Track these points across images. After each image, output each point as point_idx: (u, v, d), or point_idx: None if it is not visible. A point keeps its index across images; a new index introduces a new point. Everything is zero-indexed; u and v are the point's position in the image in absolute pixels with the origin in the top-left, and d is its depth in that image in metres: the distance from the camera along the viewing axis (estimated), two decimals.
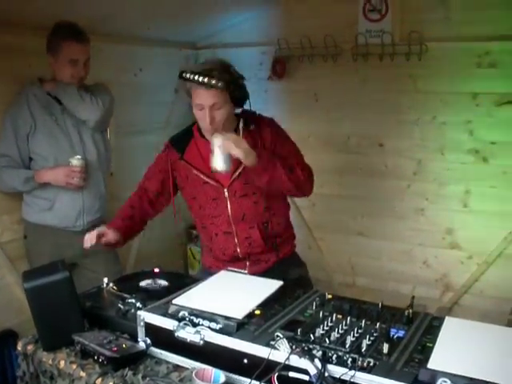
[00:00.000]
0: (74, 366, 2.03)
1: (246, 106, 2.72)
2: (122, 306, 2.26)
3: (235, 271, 2.54)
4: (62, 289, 2.15)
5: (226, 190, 2.69)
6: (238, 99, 2.57)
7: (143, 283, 2.53)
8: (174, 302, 2.09)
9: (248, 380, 1.80)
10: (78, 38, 3.14)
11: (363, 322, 1.98)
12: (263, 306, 2.11)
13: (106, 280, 2.51)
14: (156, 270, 2.69)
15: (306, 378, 1.70)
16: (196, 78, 2.43)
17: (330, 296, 2.26)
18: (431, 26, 3.89)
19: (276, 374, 1.73)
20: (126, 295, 2.34)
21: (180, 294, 2.19)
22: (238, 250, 2.76)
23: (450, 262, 4.18)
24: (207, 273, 2.65)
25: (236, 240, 2.76)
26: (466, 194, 4.04)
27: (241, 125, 2.67)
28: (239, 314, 1.99)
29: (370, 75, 4.20)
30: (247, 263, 2.79)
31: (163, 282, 2.53)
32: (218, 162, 2.46)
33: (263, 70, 4.57)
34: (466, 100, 3.90)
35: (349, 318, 2.00)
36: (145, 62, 4.35)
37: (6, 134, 3.21)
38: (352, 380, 1.65)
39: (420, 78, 4.04)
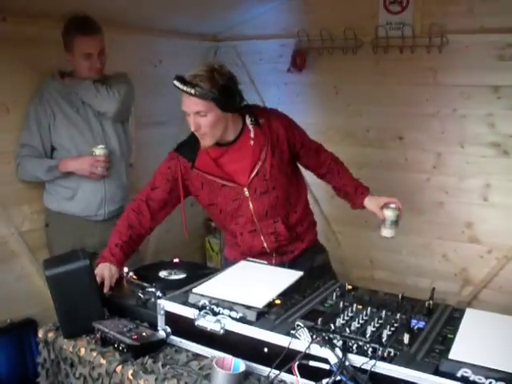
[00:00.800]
0: (95, 354, 2.05)
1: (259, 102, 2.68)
2: (141, 295, 2.27)
3: (255, 261, 2.54)
4: (83, 277, 2.17)
5: (245, 189, 2.64)
6: (226, 105, 2.48)
7: (163, 273, 2.54)
8: (194, 290, 2.10)
9: (268, 369, 1.81)
10: (87, 31, 3.14)
11: (383, 312, 1.99)
12: (283, 295, 2.11)
13: (126, 269, 2.53)
14: (175, 260, 2.70)
15: (327, 367, 1.71)
16: (178, 84, 2.42)
17: (349, 287, 2.26)
18: (453, 18, 3.85)
19: (297, 363, 1.73)
20: (145, 284, 2.35)
21: (200, 284, 2.20)
22: (265, 245, 2.74)
23: (470, 256, 4.15)
24: (232, 264, 2.59)
25: (262, 237, 2.74)
26: (486, 187, 4.00)
27: (248, 121, 2.65)
28: (259, 303, 1.99)
29: (390, 68, 4.16)
30: (273, 255, 2.78)
31: (183, 272, 2.54)
32: (390, 232, 2.64)
33: (283, 62, 4.54)
34: (488, 93, 3.86)
35: (369, 309, 2.00)
36: (165, 54, 4.36)
37: (29, 124, 3.23)
38: (373, 369, 1.65)
39: (440, 70, 4.00)
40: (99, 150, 3.21)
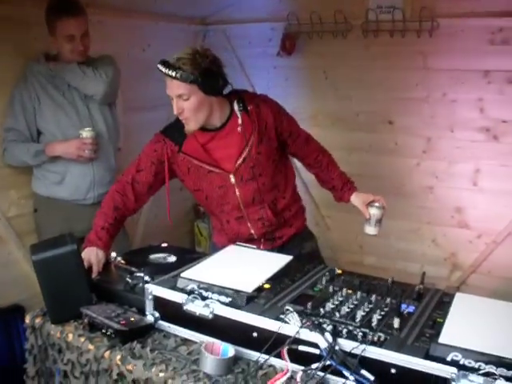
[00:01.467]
0: (83, 339, 2.04)
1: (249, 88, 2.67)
2: (129, 280, 2.25)
3: (244, 245, 2.54)
4: (70, 261, 2.16)
5: (232, 176, 2.63)
6: (209, 88, 2.45)
7: (151, 257, 2.52)
8: (182, 275, 2.09)
9: (257, 354, 1.80)
10: (70, 12, 3.07)
11: (373, 297, 1.98)
12: (272, 280, 2.11)
13: (113, 254, 2.51)
14: (164, 244, 2.68)
15: (316, 351, 1.70)
16: (161, 68, 2.41)
17: (339, 271, 2.27)
18: (443, 2, 3.81)
19: (286, 348, 1.73)
20: (134, 269, 2.33)
21: (189, 268, 2.18)
22: (252, 231, 2.74)
23: (459, 241, 4.16)
24: (220, 250, 2.58)
25: (249, 223, 2.73)
26: (475, 172, 4.00)
27: (236, 107, 2.62)
28: (249, 287, 1.98)
29: (380, 52, 4.13)
30: (262, 240, 2.78)
31: (171, 257, 2.53)
32: (375, 229, 2.67)
33: (272, 46, 4.50)
34: (478, 77, 3.84)
35: (359, 293, 2.00)
36: (153, 38, 4.30)
37: (14, 108, 3.19)
38: (363, 354, 1.64)
39: (431, 54, 3.97)
40: (86, 133, 3.16)
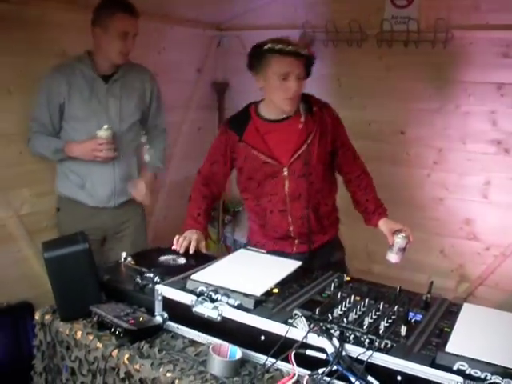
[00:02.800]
0: (91, 337, 2.05)
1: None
2: (139, 280, 2.26)
3: (254, 250, 2.55)
4: (81, 260, 2.17)
5: (286, 169, 2.72)
6: (308, 75, 2.66)
7: (161, 259, 2.53)
8: (192, 277, 2.10)
9: (264, 357, 1.81)
10: (129, 10, 3.07)
11: (381, 304, 1.99)
12: (281, 284, 2.12)
13: (124, 254, 2.52)
14: (174, 246, 2.70)
15: (323, 356, 1.71)
16: (285, 46, 2.53)
17: (348, 278, 2.27)
18: (458, 14, 3.82)
19: (293, 352, 1.74)
20: (144, 269, 2.34)
21: (199, 270, 2.20)
22: (291, 228, 2.81)
23: (467, 253, 4.15)
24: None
25: (290, 219, 2.80)
26: (485, 184, 4.00)
27: (301, 106, 2.73)
28: (257, 291, 1.99)
29: (394, 62, 4.15)
30: (295, 242, 2.84)
31: (181, 259, 2.54)
32: (396, 257, 2.69)
33: None
34: (491, 90, 3.85)
35: (367, 300, 2.01)
36: (169, 41, 4.33)
37: (40, 99, 3.17)
38: (369, 360, 1.65)
39: (444, 66, 3.98)
40: (102, 132, 3.10)
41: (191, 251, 2.57)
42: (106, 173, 3.26)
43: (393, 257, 2.70)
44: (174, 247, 2.61)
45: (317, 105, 2.78)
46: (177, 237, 2.64)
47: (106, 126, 3.12)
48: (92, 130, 3.13)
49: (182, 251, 2.57)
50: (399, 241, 2.65)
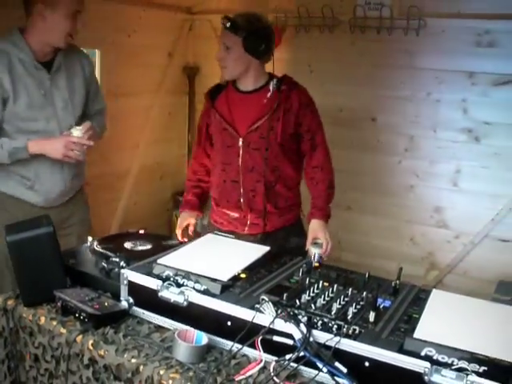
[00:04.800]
0: (55, 323, 2.01)
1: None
2: (105, 265, 2.22)
3: (222, 235, 2.53)
4: (45, 244, 2.12)
5: (241, 139, 2.81)
6: (251, 48, 2.72)
7: (128, 243, 2.49)
8: (158, 261, 2.07)
9: (231, 343, 1.79)
10: None
11: (350, 290, 1.97)
12: (249, 269, 2.09)
13: (90, 239, 2.47)
14: (141, 231, 2.66)
15: (290, 342, 1.69)
16: (221, 20, 2.74)
17: (316, 264, 2.25)
18: (431, 2, 3.84)
19: (260, 338, 1.72)
20: (110, 254, 2.30)
21: (165, 255, 2.16)
22: (242, 200, 2.86)
23: (437, 241, 4.18)
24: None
25: (241, 190, 2.87)
26: (456, 173, 4.02)
27: (271, 82, 2.82)
28: (224, 276, 1.97)
29: (367, 48, 4.14)
30: (247, 222, 2.88)
31: (148, 243, 2.50)
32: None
33: None
34: (463, 78, 3.87)
35: (335, 286, 1.99)
36: (139, 24, 4.27)
37: None
38: (337, 346, 1.63)
39: (417, 53, 3.99)
40: (77, 132, 2.77)
41: (190, 232, 2.89)
42: (55, 173, 2.91)
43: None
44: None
45: (288, 85, 2.83)
46: (179, 231, 2.94)
47: (80, 127, 2.80)
48: (39, 132, 2.80)
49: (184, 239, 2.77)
50: (313, 251, 2.60)
